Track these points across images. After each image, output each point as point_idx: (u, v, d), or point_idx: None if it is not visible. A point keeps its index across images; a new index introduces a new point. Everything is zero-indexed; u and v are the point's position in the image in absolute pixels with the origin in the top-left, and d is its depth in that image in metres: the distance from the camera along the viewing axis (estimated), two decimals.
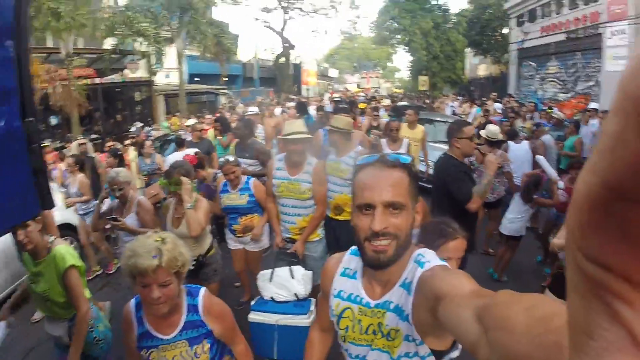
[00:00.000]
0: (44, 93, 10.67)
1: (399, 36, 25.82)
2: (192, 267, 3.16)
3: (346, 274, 1.39)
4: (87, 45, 15.58)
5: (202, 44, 18.79)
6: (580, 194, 0.22)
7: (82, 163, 5.78)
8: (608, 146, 0.20)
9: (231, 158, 4.08)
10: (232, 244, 4.20)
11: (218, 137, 6.51)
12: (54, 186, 5.50)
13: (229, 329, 1.94)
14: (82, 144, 7.13)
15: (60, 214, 5.37)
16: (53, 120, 14.56)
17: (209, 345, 1.86)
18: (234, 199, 3.95)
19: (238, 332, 2.00)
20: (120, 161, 6.14)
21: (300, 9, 27.90)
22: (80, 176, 5.63)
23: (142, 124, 14.08)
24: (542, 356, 0.44)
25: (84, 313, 2.64)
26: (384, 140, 5.56)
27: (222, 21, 24.30)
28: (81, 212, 5.65)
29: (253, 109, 7.70)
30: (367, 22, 27.23)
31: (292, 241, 3.65)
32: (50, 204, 1.87)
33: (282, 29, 27.74)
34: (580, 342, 0.23)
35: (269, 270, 3.27)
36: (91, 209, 5.34)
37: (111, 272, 5.54)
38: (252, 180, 4.05)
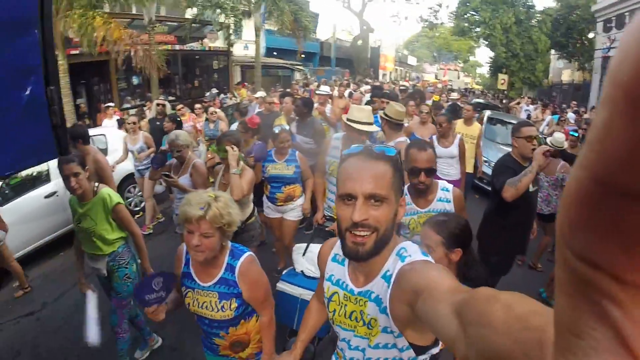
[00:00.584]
0: (126, 55, 11.56)
1: (479, 29, 24.85)
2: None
3: (336, 259, 1.44)
4: (169, 13, 16.72)
5: (280, 19, 19.27)
6: (570, 190, 0.21)
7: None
8: (597, 137, 0.19)
9: (286, 127, 4.34)
10: (271, 212, 4.37)
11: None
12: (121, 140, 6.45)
13: (258, 297, 2.05)
14: (160, 104, 7.60)
15: (127, 164, 6.25)
16: (135, 80, 16.11)
17: (236, 304, 2.00)
18: (280, 168, 4.11)
19: (268, 304, 2.11)
20: (179, 126, 6.28)
21: None
22: (142, 132, 6.15)
23: (217, 91, 15.22)
24: (520, 353, 0.43)
25: (139, 233, 3.15)
26: (434, 136, 5.32)
27: None
28: (141, 167, 6.08)
29: (324, 88, 7.65)
30: (449, 12, 26.27)
31: (332, 220, 3.70)
32: (65, 152, 2.20)
33: (361, 11, 27.81)
34: (567, 341, 0.23)
35: (304, 244, 3.36)
36: (149, 165, 5.57)
37: (145, 232, 5.73)
38: (298, 152, 4.23)
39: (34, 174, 5.39)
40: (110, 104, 10.59)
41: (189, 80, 19.56)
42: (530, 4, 25.11)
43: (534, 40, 24.11)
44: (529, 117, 12.44)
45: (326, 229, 3.67)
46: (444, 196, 2.73)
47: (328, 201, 3.83)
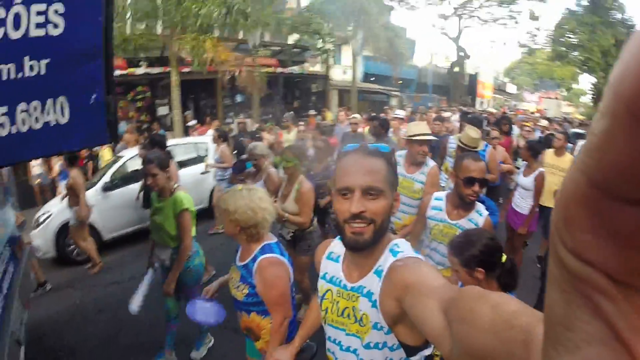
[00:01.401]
0: (231, 76, 13.34)
1: (576, 53, 23.90)
2: (290, 238, 3.94)
3: (330, 257, 1.47)
4: (272, 39, 18.50)
5: (375, 45, 20.35)
6: (567, 191, 0.22)
7: (225, 136, 6.79)
8: (596, 145, 0.20)
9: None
10: None
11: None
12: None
13: (270, 298, 2.12)
14: (241, 122, 8.57)
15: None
16: (238, 98, 18.11)
17: (247, 291, 2.18)
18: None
19: (280, 309, 2.12)
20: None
21: (478, 17, 27.81)
22: (223, 146, 6.58)
23: (293, 113, 16.19)
24: (505, 352, 0.44)
25: (186, 246, 3.29)
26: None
27: (399, 26, 25.55)
28: (218, 178, 6.64)
29: (400, 112, 8.20)
30: (545, 37, 25.21)
31: (393, 233, 3.27)
32: (113, 140, 2.94)
33: (458, 37, 27.86)
34: (558, 334, 0.23)
35: None
36: (226, 176, 6.28)
37: (211, 233, 6.77)
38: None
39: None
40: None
41: (288, 101, 20.97)
42: (630, 23, 23.30)
43: None
44: None
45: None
46: (475, 219, 2.73)
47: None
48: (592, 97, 29.00)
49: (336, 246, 1.47)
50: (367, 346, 1.24)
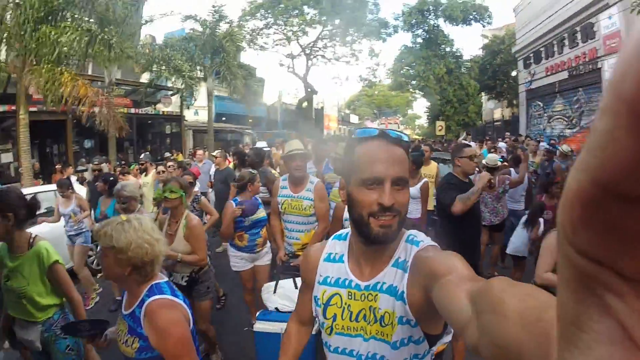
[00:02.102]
0: (85, 115, 11.50)
1: (414, 82, 27.07)
2: (185, 283, 3.48)
3: (331, 258, 1.35)
4: (124, 77, 16.97)
5: (232, 85, 19.92)
6: (571, 191, 0.22)
7: (71, 186, 5.69)
8: (598, 144, 0.20)
9: (253, 171, 4.41)
10: (243, 264, 4.18)
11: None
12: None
13: (168, 350, 1.70)
14: (95, 168, 7.29)
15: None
16: (87, 143, 16.17)
17: (138, 345, 1.75)
18: (298, 207, 3.91)
19: (183, 358, 1.72)
20: (112, 185, 5.41)
21: (323, 56, 29.36)
22: (75, 195, 5.59)
23: (148, 153, 14.61)
24: (532, 344, 0.44)
25: (78, 300, 2.66)
26: None
27: (250, 65, 26.29)
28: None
29: (262, 143, 8.35)
30: (385, 70, 28.56)
31: (295, 256, 3.69)
32: None
33: (305, 75, 29.21)
34: (570, 334, 0.23)
35: (273, 283, 3.32)
36: (83, 229, 5.42)
37: (88, 307, 5.01)
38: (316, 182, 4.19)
39: None
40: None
41: (142, 145, 19.64)
42: (458, 54, 27.77)
43: (464, 86, 26.58)
44: None
45: (291, 264, 3.63)
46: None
47: (287, 239, 3.84)
48: (427, 118, 33.06)
49: (335, 246, 1.36)
50: (394, 346, 1.16)
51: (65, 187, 5.49)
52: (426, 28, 26.75)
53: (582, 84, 15.84)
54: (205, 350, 3.79)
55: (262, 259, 4.24)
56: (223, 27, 20.88)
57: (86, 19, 11.51)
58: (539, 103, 19.86)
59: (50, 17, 10.54)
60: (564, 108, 17.62)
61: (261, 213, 4.15)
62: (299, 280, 3.18)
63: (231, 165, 8.03)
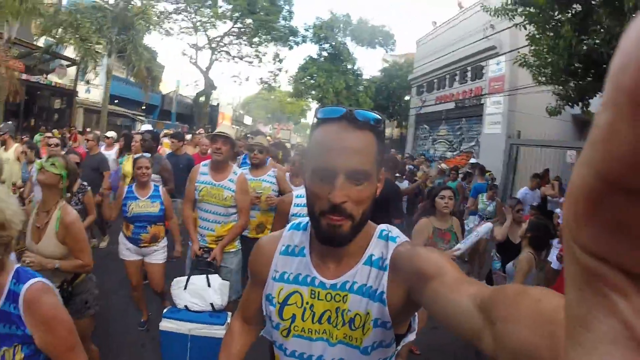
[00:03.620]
0: None
1: (314, 92, 28.17)
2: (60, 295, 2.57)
3: (290, 251, 1.19)
4: (18, 36, 15.02)
5: (136, 66, 18.83)
6: (575, 186, 0.21)
7: None
8: (600, 137, 0.20)
9: (147, 155, 4.01)
10: (129, 254, 3.86)
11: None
12: None
13: (59, 344, 1.40)
14: None
15: None
16: None
17: (23, 355, 1.35)
18: (145, 206, 3.78)
19: (74, 353, 1.44)
20: None
21: (228, 53, 29.23)
22: None
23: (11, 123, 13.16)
24: (546, 348, 0.44)
25: None
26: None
27: (152, 48, 25.24)
28: None
29: (147, 126, 8.00)
30: (288, 76, 29.01)
31: (209, 250, 3.48)
32: None
33: (208, 69, 28.65)
34: (576, 334, 0.23)
35: (184, 278, 3.13)
36: None
37: None
38: (161, 187, 3.99)
39: None
40: None
41: (27, 116, 17.72)
42: (358, 72, 29.40)
43: (360, 102, 28.25)
44: None
45: (206, 259, 3.41)
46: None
47: (200, 229, 3.57)
48: None
49: (294, 237, 1.20)
50: (365, 351, 1.05)
51: None
52: (333, 43, 28.13)
53: (465, 114, 18.11)
54: None
55: (151, 256, 3.89)
56: (135, 1, 19.90)
57: None
58: (426, 126, 22.11)
59: None
60: (448, 133, 19.91)
61: (145, 208, 3.79)
62: (212, 277, 3.15)
63: (114, 150, 7.49)
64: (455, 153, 18.74)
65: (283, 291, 1.14)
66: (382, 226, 1.13)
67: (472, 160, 12.94)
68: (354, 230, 1.01)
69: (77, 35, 15.58)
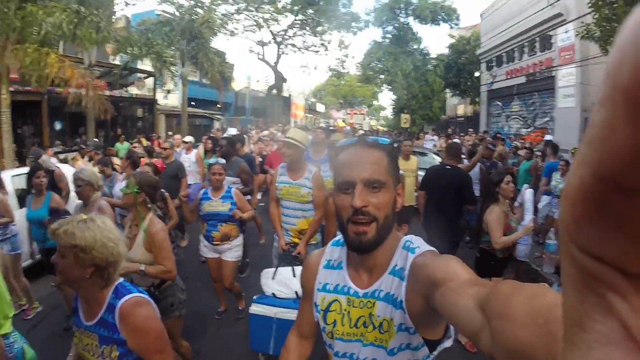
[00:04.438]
0: (70, 95, 11.44)
1: (383, 76, 27.89)
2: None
3: (330, 265, 1.36)
4: (97, 58, 16.33)
5: (209, 70, 19.95)
6: (573, 186, 0.21)
7: None
8: (597, 136, 0.20)
9: (222, 161, 4.24)
10: (208, 252, 4.22)
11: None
12: None
13: (148, 348, 1.70)
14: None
15: None
16: (57, 125, 15.53)
17: (117, 353, 1.68)
18: (216, 205, 4.05)
19: (162, 353, 1.75)
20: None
21: (293, 45, 29.70)
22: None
23: (97, 141, 13.77)
24: (542, 346, 0.44)
25: None
26: None
27: (220, 50, 26.29)
28: None
29: (232, 130, 8.10)
30: (355, 62, 29.09)
31: (295, 245, 3.78)
32: None
33: (276, 63, 29.34)
34: (573, 335, 0.23)
35: (272, 269, 3.38)
36: (8, 235, 4.39)
37: (28, 317, 4.48)
38: (234, 189, 4.24)
39: None
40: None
41: (114, 127, 19.43)
42: (425, 52, 28.80)
43: (429, 82, 27.64)
44: (434, 146, 14.32)
45: (292, 254, 3.70)
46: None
47: (284, 224, 3.89)
48: (393, 110, 34.30)
49: (334, 252, 1.37)
50: (391, 352, 1.17)
51: None
52: (396, 25, 27.62)
53: (537, 88, 17.09)
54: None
55: (226, 254, 4.17)
56: (199, 11, 20.88)
57: None
58: (499, 103, 21.15)
59: None
60: (521, 109, 18.92)
61: (216, 207, 4.07)
62: (297, 269, 3.28)
63: (193, 153, 7.73)
64: (529, 130, 17.75)
65: (325, 300, 1.31)
66: (407, 237, 1.24)
67: (547, 137, 12.18)
68: (379, 235, 1.14)
69: (151, 52, 16.61)
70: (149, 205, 3.01)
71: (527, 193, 4.37)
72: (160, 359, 1.73)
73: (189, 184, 6.91)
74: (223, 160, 4.26)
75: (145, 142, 13.93)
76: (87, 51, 13.41)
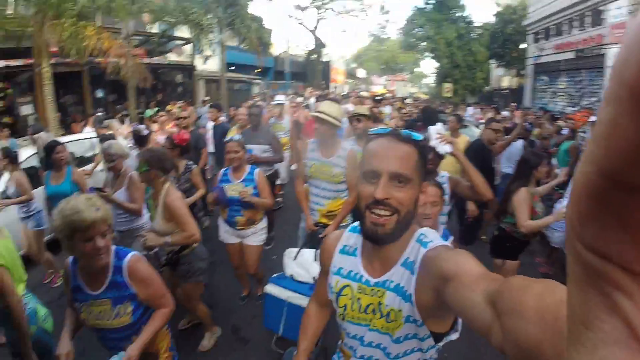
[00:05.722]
0: (110, 65, 11.75)
1: (425, 43, 27.00)
2: (164, 262, 3.20)
3: (345, 251, 1.37)
4: (135, 28, 16.63)
5: (246, 36, 19.99)
6: (578, 184, 0.21)
7: (13, 157, 4.63)
8: (603, 134, 0.19)
9: (237, 137, 3.84)
10: (228, 237, 3.89)
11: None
12: None
13: (154, 294, 1.97)
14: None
15: None
16: (99, 94, 15.88)
17: (132, 307, 1.91)
18: (237, 189, 3.65)
19: (166, 299, 2.04)
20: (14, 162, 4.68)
21: (332, 9, 29.16)
22: (17, 173, 4.51)
23: (102, 113, 13.45)
24: (550, 343, 0.44)
25: (18, 310, 2.29)
26: None
27: (258, 16, 26.05)
28: (23, 216, 4.53)
29: (280, 98, 7.63)
30: (396, 27, 28.28)
31: (324, 226, 3.53)
32: None
33: (315, 27, 29.01)
34: (578, 333, 0.23)
35: (296, 249, 3.22)
36: (32, 212, 4.52)
37: (56, 285, 4.64)
38: (257, 170, 3.78)
39: None
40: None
41: (155, 93, 19.81)
42: (469, 20, 27.58)
43: (473, 51, 26.53)
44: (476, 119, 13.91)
45: (319, 235, 3.47)
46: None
47: (312, 204, 3.63)
48: (436, 78, 33.22)
49: (350, 238, 1.39)
50: (397, 341, 1.20)
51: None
52: None
53: (586, 66, 16.15)
54: (188, 323, 3.80)
55: (249, 238, 3.85)
56: None
57: None
58: (545, 77, 20.14)
59: None
60: (568, 86, 17.99)
61: (238, 191, 3.64)
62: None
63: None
64: (575, 109, 16.87)
65: (339, 284, 1.34)
66: (421, 230, 1.24)
67: (593, 119, 11.58)
68: (397, 228, 1.15)
69: (188, 20, 16.62)
70: (162, 179, 3.08)
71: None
72: (164, 301, 2.02)
73: (212, 152, 6.81)
74: (238, 136, 3.88)
75: (174, 108, 13.86)
76: (124, 22, 13.69)
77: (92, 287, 1.91)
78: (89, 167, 6.11)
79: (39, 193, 4.60)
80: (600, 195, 0.20)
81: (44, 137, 5.71)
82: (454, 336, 1.20)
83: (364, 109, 4.11)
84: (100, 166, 5.69)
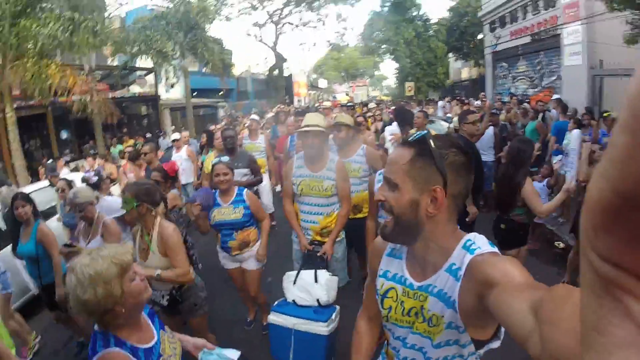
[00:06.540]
0: (73, 103, 11.43)
1: (385, 46, 27.47)
2: (167, 303, 2.97)
3: (393, 254, 1.38)
4: (96, 61, 16.37)
5: (209, 60, 19.72)
6: (593, 198, 0.22)
7: None
8: (618, 158, 0.21)
9: (225, 159, 3.69)
10: (228, 262, 3.79)
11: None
12: None
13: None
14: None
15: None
16: (64, 134, 15.39)
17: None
18: (228, 213, 3.53)
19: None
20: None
21: (290, 23, 29.34)
22: None
23: (52, 161, 13.33)
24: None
25: None
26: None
27: (218, 38, 25.98)
28: None
29: (254, 117, 7.41)
30: (354, 33, 29.01)
31: (319, 244, 3.41)
32: None
33: (275, 43, 29.06)
34: (591, 339, 0.24)
35: (295, 272, 3.17)
36: None
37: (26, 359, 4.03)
38: (245, 191, 3.68)
39: None
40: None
41: (120, 127, 19.36)
42: (426, 17, 28.31)
43: (432, 48, 27.14)
44: (445, 113, 14.13)
45: (317, 254, 3.34)
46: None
47: (303, 223, 3.48)
48: (396, 79, 33.76)
49: None
50: (437, 345, 1.20)
51: None
52: None
53: (543, 47, 16.68)
54: None
55: (247, 262, 3.72)
56: (191, 0, 20.55)
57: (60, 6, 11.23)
58: (504, 64, 20.70)
59: (28, 10, 10.25)
60: (527, 69, 18.52)
61: (227, 215, 3.55)
62: (320, 273, 3.09)
63: (183, 151, 7.48)
64: (536, 90, 17.41)
65: (384, 286, 1.36)
66: (469, 236, 1.20)
67: (555, 96, 11.92)
68: (396, 230, 1.19)
69: (151, 49, 16.49)
70: (154, 212, 2.86)
71: (572, 152, 4.05)
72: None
73: (184, 185, 6.80)
74: (226, 158, 3.71)
75: (133, 142, 12.73)
76: (86, 56, 13.34)
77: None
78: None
79: (5, 254, 4.23)
80: (614, 211, 0.21)
81: (5, 191, 5.05)
82: (496, 344, 1.18)
83: (346, 118, 4.04)
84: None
